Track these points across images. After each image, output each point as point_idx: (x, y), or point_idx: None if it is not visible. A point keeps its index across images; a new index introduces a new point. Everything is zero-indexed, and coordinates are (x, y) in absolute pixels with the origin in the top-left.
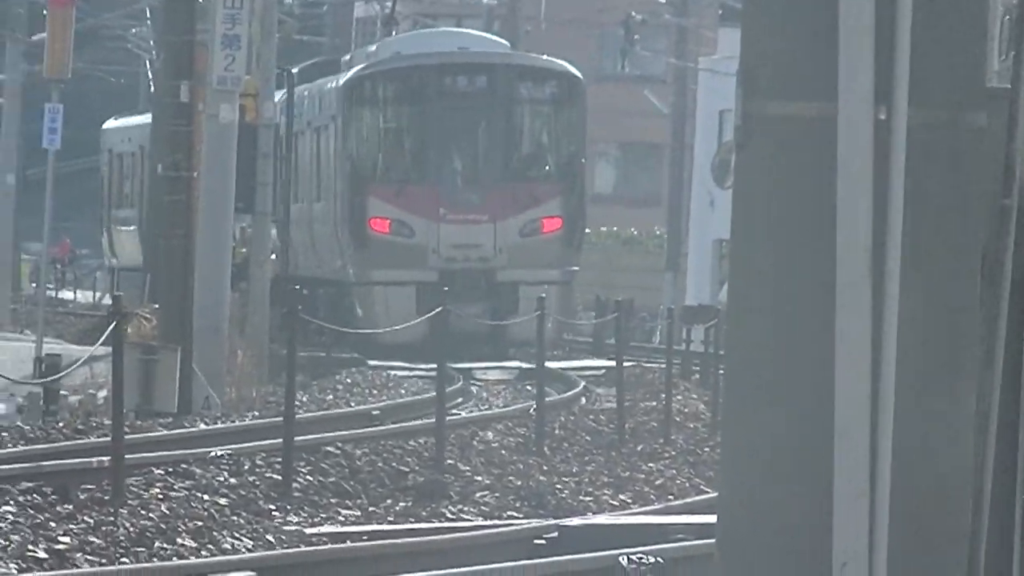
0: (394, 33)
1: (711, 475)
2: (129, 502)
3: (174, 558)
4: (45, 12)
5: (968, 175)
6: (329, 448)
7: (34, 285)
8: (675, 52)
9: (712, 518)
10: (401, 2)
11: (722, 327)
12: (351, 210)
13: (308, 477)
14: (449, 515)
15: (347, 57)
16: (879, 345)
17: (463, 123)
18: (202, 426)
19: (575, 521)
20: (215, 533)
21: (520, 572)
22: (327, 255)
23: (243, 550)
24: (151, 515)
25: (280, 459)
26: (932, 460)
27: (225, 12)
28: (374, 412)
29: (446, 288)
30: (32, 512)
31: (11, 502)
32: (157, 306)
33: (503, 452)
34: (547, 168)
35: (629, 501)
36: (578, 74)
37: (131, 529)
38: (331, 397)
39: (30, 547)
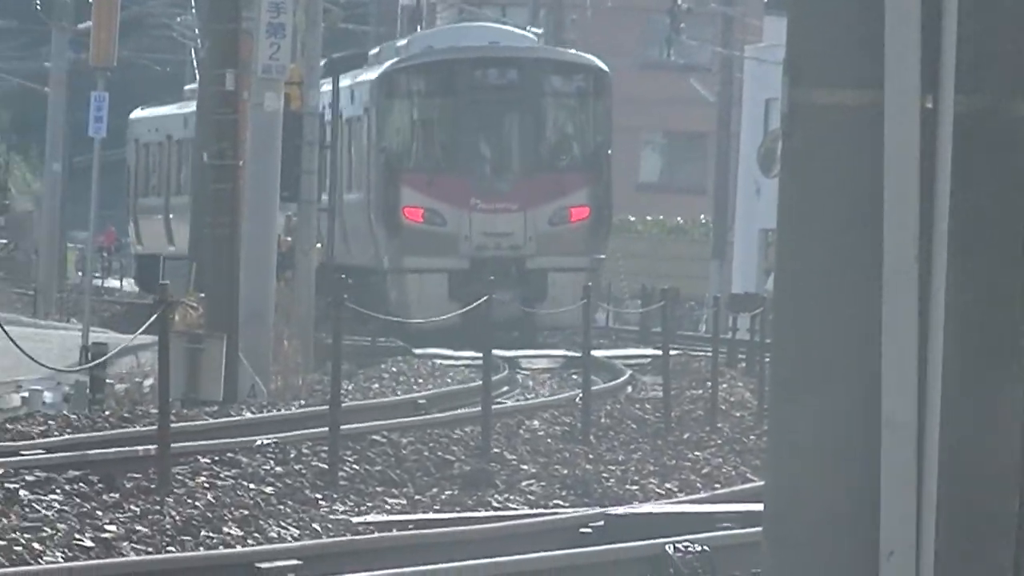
0: (419, 28)
1: (757, 463)
2: (175, 491)
3: (220, 547)
4: (91, 1)
5: (1015, 163)
6: (375, 437)
7: (80, 274)
8: (721, 40)
9: (759, 506)
10: None
11: (768, 315)
12: (385, 199)
13: (354, 466)
14: (495, 504)
15: (375, 51)
16: (926, 333)
17: (494, 115)
18: (248, 415)
19: (621, 510)
20: (261, 522)
21: (566, 561)
22: (359, 244)
23: (289, 539)
24: (197, 504)
25: (326, 447)
26: (979, 449)
27: (270, 1)
28: (420, 401)
29: (484, 276)
30: (78, 501)
31: (58, 491)
32: (203, 294)
33: (549, 441)
34: (575, 159)
35: (675, 489)
36: (604, 67)
37: (177, 518)
38: (377, 386)
39: (76, 536)
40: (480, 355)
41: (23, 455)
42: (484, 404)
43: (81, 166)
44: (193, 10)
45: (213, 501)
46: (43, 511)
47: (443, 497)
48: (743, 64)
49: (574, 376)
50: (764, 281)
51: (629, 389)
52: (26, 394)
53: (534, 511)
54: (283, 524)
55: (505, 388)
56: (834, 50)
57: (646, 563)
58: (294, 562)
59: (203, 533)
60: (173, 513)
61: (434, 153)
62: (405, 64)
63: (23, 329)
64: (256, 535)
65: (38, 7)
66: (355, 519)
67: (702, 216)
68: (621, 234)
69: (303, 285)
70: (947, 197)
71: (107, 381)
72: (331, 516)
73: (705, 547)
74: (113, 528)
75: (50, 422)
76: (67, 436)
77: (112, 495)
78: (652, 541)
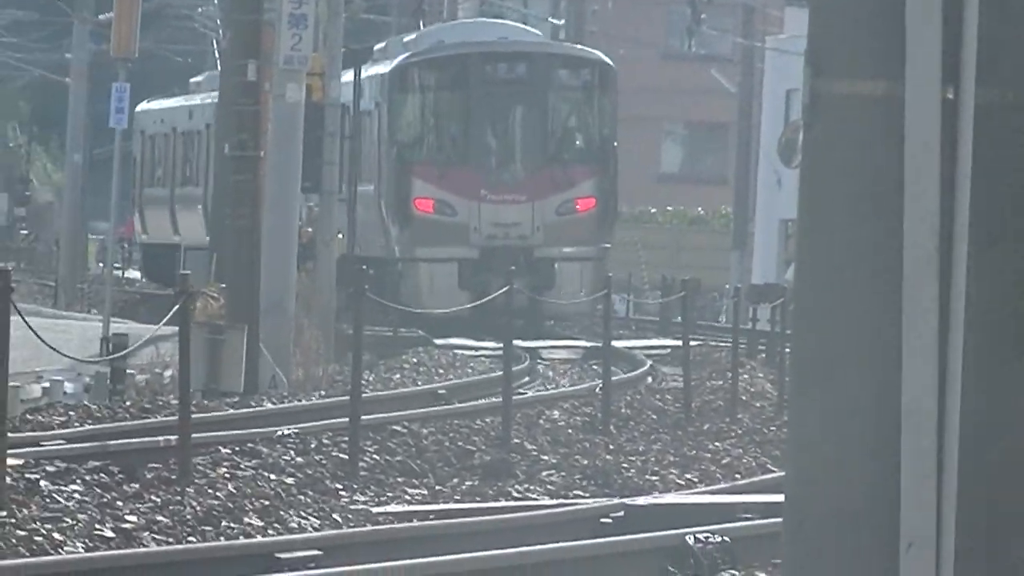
0: (422, 24)
1: (777, 454)
2: (196, 481)
3: (240, 537)
4: None
5: None
6: (396, 427)
7: (100, 264)
8: (742, 31)
9: (779, 497)
10: None
11: (788, 306)
12: (396, 190)
13: (375, 456)
14: (515, 494)
15: (382, 45)
16: (946, 324)
17: (503, 109)
18: (268, 405)
19: (641, 500)
20: (281, 512)
21: (586, 551)
22: (370, 234)
23: (309, 529)
24: (218, 494)
25: (347, 438)
26: (1001, 440)
27: None
28: (441, 391)
29: (493, 265)
30: (99, 491)
31: (78, 481)
32: (224, 285)
33: (569, 431)
34: (582, 151)
35: (695, 480)
36: (610, 62)
37: (198, 508)
38: (397, 376)
39: (97, 526)
40: (500, 346)
41: (44, 446)
42: (504, 394)
43: (102, 157)
44: (215, 1)
45: (233, 491)
46: (64, 501)
47: (463, 487)
48: (764, 55)
49: (594, 367)
50: (784, 271)
51: (649, 380)
52: (47, 384)
53: (554, 501)
54: (303, 514)
55: (526, 379)
56: (855, 41)
57: (666, 554)
58: (314, 552)
59: (223, 523)
60: (194, 503)
61: (445, 145)
62: (417, 58)
63: (44, 320)
64: (276, 525)
65: None
66: (375, 509)
67: (723, 207)
68: (642, 224)
69: (324, 276)
70: (968, 188)
71: (127, 372)
72: (351, 506)
73: (725, 538)
74: (133, 518)
75: (70, 413)
76: (88, 427)
77: (132, 485)
78: (672, 532)
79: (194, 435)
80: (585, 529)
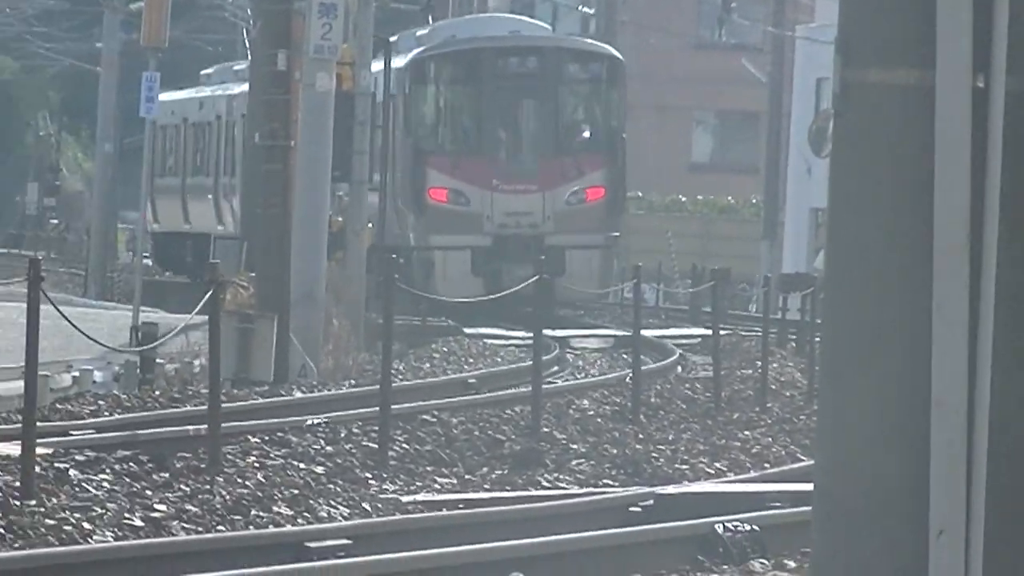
0: (431, 19)
1: (807, 443)
2: (225, 470)
3: (270, 526)
4: None
5: None
6: (425, 416)
7: (131, 254)
8: (772, 20)
9: (808, 486)
10: None
11: (819, 295)
12: (412, 180)
13: (404, 445)
14: (545, 483)
15: (393, 38)
16: (976, 314)
17: (515, 101)
18: (298, 394)
19: (671, 489)
20: (311, 501)
21: (616, 540)
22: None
23: (339, 518)
24: (247, 483)
25: (376, 427)
26: None
27: None
28: (470, 380)
29: (505, 252)
30: (128, 480)
31: (108, 470)
32: (254, 274)
33: (599, 420)
34: (591, 142)
35: (725, 469)
36: (619, 55)
37: (227, 497)
38: (427, 366)
39: (126, 515)
40: (530, 335)
41: (73, 435)
42: (534, 384)
43: (132, 147)
44: None
45: (263, 481)
46: (93, 491)
47: (493, 476)
48: (795, 44)
49: (624, 356)
50: (815, 260)
51: (679, 369)
52: (77, 374)
53: (584, 490)
54: (333, 503)
55: (555, 368)
56: (886, 29)
57: (696, 542)
58: (344, 541)
59: (253, 512)
60: (223, 492)
61: (459, 137)
62: (433, 52)
63: (74, 309)
64: (306, 514)
65: None
66: (405, 498)
67: (753, 196)
68: (672, 214)
69: (354, 265)
70: (998, 176)
71: (157, 361)
72: (381, 495)
73: (755, 526)
74: (163, 508)
75: (100, 402)
76: (117, 416)
77: (162, 475)
78: (702, 520)
79: (224, 424)
80: (615, 518)
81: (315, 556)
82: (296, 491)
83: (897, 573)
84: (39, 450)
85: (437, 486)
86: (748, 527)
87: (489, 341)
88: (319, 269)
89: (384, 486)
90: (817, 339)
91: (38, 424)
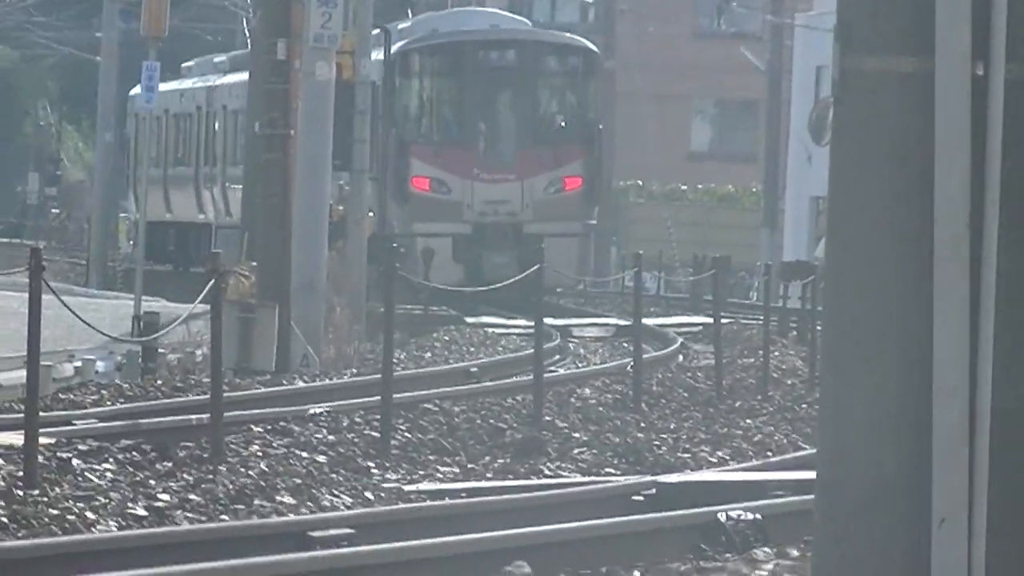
0: (410, 13)
1: (809, 431)
2: (228, 460)
3: (273, 515)
4: None
5: None
6: (427, 405)
7: (131, 243)
8: (772, 8)
9: (810, 474)
10: None
11: (819, 283)
12: (396, 169)
13: (406, 434)
14: (547, 472)
15: (376, 31)
16: (978, 302)
17: (495, 93)
18: (300, 384)
19: (673, 478)
20: (314, 490)
21: (618, 529)
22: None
23: (342, 507)
24: (250, 473)
25: (378, 416)
26: None
27: None
28: (472, 369)
29: (484, 239)
30: (131, 470)
31: (110, 460)
32: (255, 264)
33: (601, 409)
34: (568, 133)
35: (727, 458)
36: (595, 49)
37: (230, 486)
38: (429, 355)
39: (129, 505)
40: (532, 324)
41: (76, 424)
42: (536, 372)
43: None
44: None
45: (266, 470)
46: (96, 480)
47: (495, 465)
48: (794, 32)
49: (625, 344)
50: (815, 248)
51: (680, 357)
52: (79, 363)
53: (586, 479)
54: (335, 493)
55: (557, 357)
56: (885, 17)
57: (698, 531)
58: (346, 530)
59: (256, 502)
60: (226, 482)
61: (441, 127)
62: (417, 44)
63: (75, 299)
64: (309, 504)
65: None
66: (407, 487)
67: (753, 184)
68: (672, 202)
69: (355, 254)
70: (998, 164)
71: (159, 350)
72: (383, 484)
73: (757, 515)
74: (166, 497)
75: (103, 391)
76: (120, 405)
77: (165, 464)
78: (704, 509)
79: (226, 414)
80: (617, 507)
81: (318, 545)
82: (299, 480)
83: (899, 561)
84: (42, 440)
85: (439, 475)
86: (751, 516)
87: (490, 330)
88: (320, 258)
89: (386, 475)
90: (818, 327)
91: (41, 414)
